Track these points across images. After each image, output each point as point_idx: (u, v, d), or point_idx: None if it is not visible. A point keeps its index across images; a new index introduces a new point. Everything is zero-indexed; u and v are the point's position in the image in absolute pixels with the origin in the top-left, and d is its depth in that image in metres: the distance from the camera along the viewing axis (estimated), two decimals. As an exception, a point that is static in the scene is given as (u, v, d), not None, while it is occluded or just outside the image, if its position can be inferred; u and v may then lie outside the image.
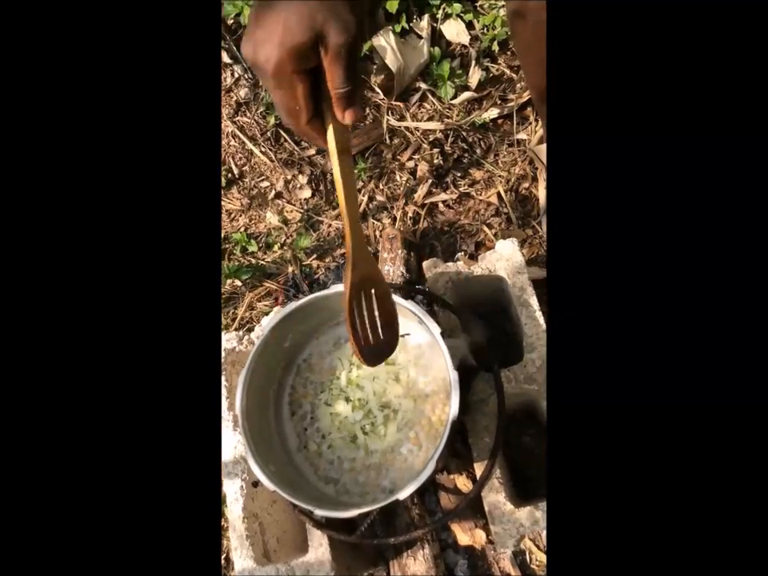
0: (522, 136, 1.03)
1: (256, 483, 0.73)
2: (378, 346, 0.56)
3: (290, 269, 0.99)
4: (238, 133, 1.10)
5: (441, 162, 1.03)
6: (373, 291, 0.54)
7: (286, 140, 1.08)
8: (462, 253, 0.96)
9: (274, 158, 1.07)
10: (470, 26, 1.09)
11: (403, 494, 0.60)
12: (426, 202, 1.01)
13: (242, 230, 1.05)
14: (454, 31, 1.09)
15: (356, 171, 1.04)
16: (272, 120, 1.08)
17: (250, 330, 0.87)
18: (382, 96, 1.08)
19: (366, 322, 0.55)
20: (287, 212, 1.05)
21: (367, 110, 1.08)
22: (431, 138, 1.04)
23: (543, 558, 0.77)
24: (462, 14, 1.09)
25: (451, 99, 1.06)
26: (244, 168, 1.09)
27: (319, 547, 0.69)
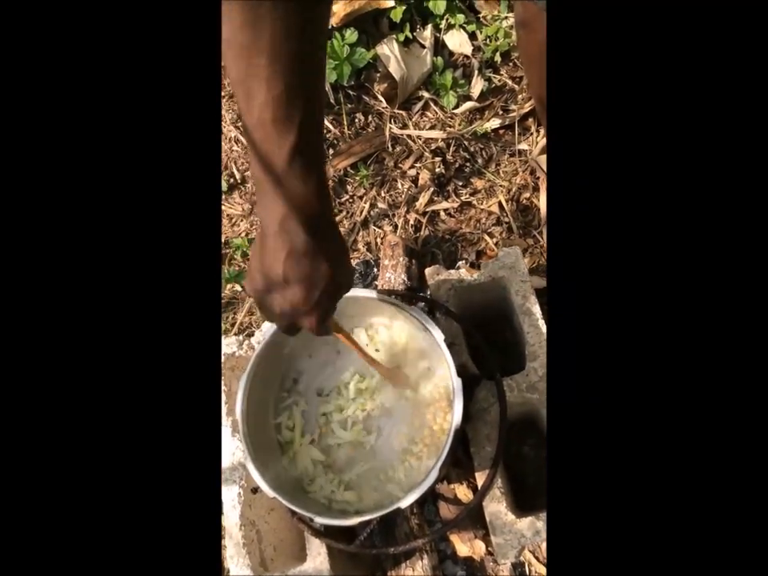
0: (523, 146, 1.04)
1: (255, 490, 0.72)
2: None
3: (290, 275, 0.99)
4: (240, 138, 1.10)
5: (442, 170, 1.03)
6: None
7: (287, 146, 1.08)
8: (463, 261, 0.96)
9: (275, 163, 1.07)
10: (472, 36, 1.10)
11: (405, 503, 0.60)
12: (427, 210, 1.01)
13: (243, 234, 1.05)
14: (457, 42, 1.10)
15: (358, 178, 1.04)
16: (274, 126, 1.08)
17: (250, 335, 0.86)
18: (384, 104, 1.08)
19: None
20: (288, 218, 1.04)
21: (370, 118, 1.09)
22: (433, 146, 1.05)
23: (543, 570, 0.76)
24: (464, 25, 1.10)
25: (453, 108, 1.07)
26: (246, 173, 1.09)
27: (317, 556, 0.68)
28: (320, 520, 0.62)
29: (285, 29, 0.38)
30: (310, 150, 0.42)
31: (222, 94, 1.13)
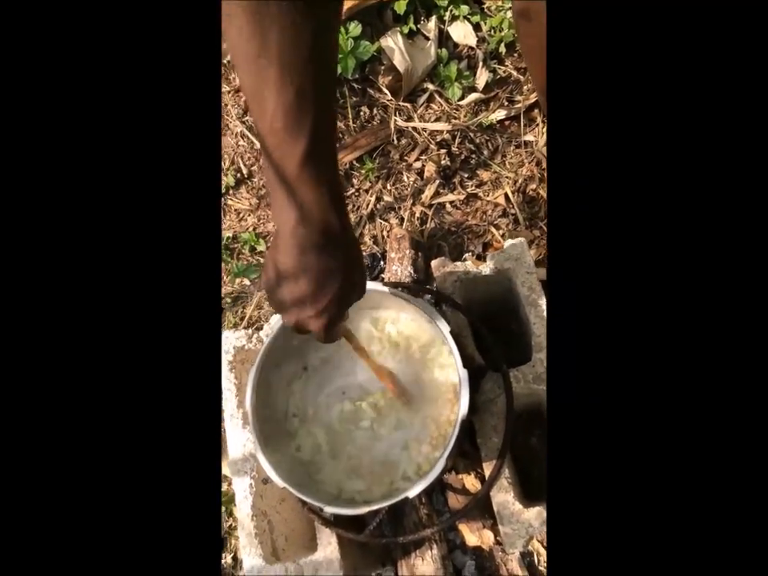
0: (529, 137, 1.04)
1: (266, 480, 0.73)
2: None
3: (298, 268, 0.99)
4: (246, 132, 1.10)
5: (448, 162, 1.03)
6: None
7: (293, 140, 1.08)
8: (470, 253, 0.96)
9: (281, 158, 1.07)
10: (477, 27, 1.10)
11: (413, 492, 0.61)
12: (433, 202, 1.01)
13: (251, 229, 1.05)
14: (461, 33, 1.10)
15: (363, 172, 1.04)
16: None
17: (259, 328, 0.87)
18: (389, 97, 1.08)
19: None
20: (295, 212, 1.05)
21: (375, 111, 1.09)
22: (438, 138, 1.05)
23: (551, 558, 0.77)
24: (469, 16, 1.09)
25: (458, 100, 1.06)
26: (252, 168, 1.09)
27: (328, 546, 0.69)
28: (330, 509, 0.63)
29: (292, 36, 0.38)
30: (321, 155, 0.42)
31: (228, 89, 1.14)
